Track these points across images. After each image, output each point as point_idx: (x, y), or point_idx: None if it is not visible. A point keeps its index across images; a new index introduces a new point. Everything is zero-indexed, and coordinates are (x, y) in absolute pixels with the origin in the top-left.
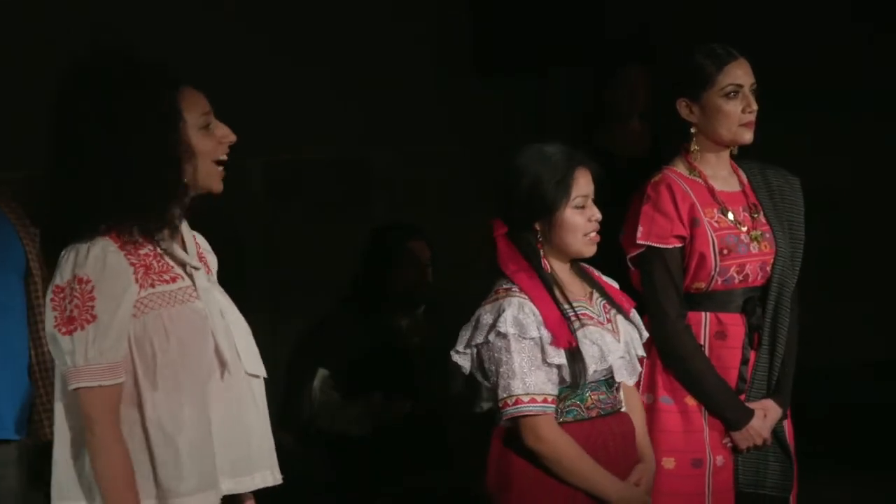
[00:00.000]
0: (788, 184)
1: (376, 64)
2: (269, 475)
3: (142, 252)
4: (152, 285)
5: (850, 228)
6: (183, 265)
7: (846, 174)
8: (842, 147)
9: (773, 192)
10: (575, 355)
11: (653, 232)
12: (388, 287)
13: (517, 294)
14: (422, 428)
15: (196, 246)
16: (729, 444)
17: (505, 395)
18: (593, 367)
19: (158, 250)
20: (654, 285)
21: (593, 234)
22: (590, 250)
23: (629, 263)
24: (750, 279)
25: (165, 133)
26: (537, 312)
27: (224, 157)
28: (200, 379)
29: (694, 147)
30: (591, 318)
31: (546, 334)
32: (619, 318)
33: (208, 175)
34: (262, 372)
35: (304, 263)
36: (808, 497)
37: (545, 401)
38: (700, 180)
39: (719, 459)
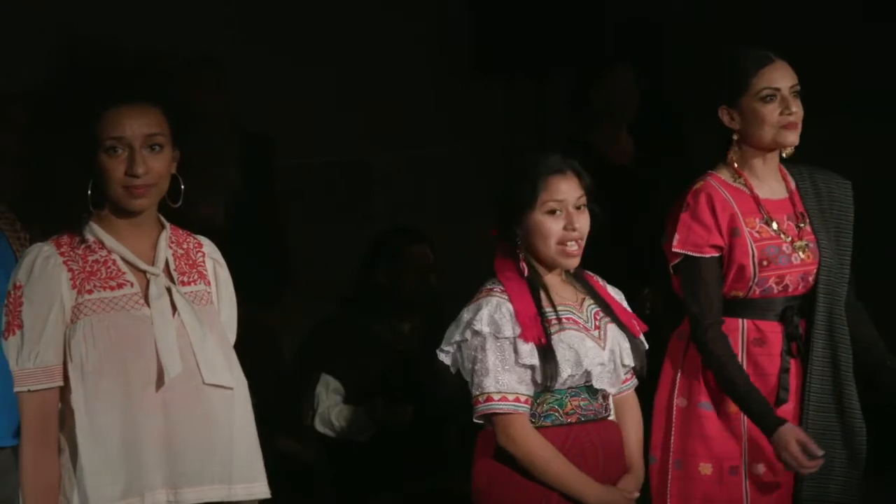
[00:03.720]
0: (839, 188)
1: (376, 65)
2: (222, 489)
3: (91, 258)
4: (90, 291)
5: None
6: (143, 272)
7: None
8: (852, 148)
9: (821, 199)
10: (547, 355)
11: (689, 241)
12: (390, 291)
13: (497, 294)
14: (423, 432)
15: (176, 255)
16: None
17: (477, 393)
18: (567, 370)
19: (113, 256)
20: (690, 293)
21: (571, 246)
22: (566, 262)
23: (671, 270)
24: (790, 289)
25: (68, 154)
26: (513, 312)
27: (131, 186)
28: (133, 386)
29: (735, 154)
30: (577, 322)
31: (519, 332)
32: (611, 327)
33: (116, 196)
34: (227, 383)
35: (306, 267)
36: None
37: (517, 400)
38: (745, 188)
39: (759, 468)
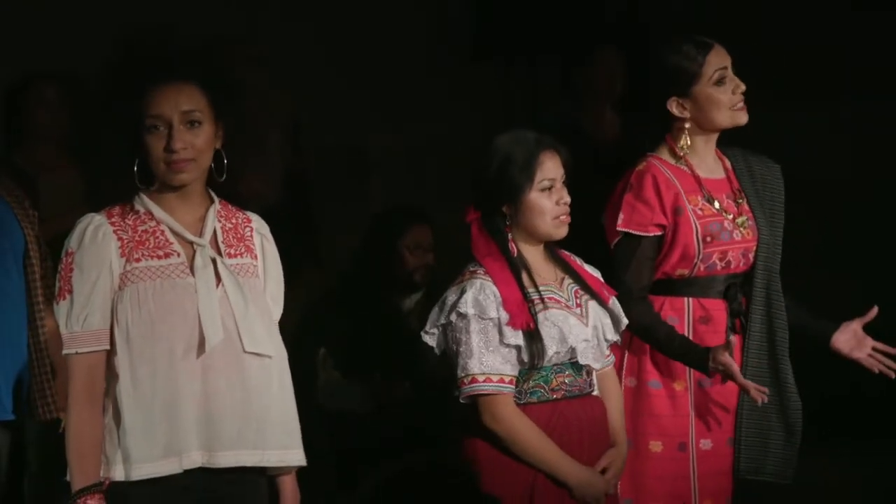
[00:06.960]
0: (770, 171)
1: (376, 48)
2: (256, 454)
3: (140, 228)
4: (138, 259)
5: (846, 220)
6: (190, 243)
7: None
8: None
9: (755, 179)
10: (533, 336)
11: (633, 220)
12: (390, 270)
13: (481, 276)
14: (421, 407)
15: (224, 228)
16: (727, 430)
17: (462, 375)
18: (553, 348)
19: (162, 227)
20: (624, 265)
21: (563, 217)
22: (559, 233)
23: (611, 248)
24: (732, 266)
25: (121, 134)
26: (498, 294)
27: (171, 162)
28: (174, 351)
29: (685, 142)
30: (559, 301)
31: (504, 315)
32: (592, 304)
33: (159, 172)
34: (267, 351)
35: (306, 247)
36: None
37: (501, 380)
38: (685, 168)
39: (705, 444)
